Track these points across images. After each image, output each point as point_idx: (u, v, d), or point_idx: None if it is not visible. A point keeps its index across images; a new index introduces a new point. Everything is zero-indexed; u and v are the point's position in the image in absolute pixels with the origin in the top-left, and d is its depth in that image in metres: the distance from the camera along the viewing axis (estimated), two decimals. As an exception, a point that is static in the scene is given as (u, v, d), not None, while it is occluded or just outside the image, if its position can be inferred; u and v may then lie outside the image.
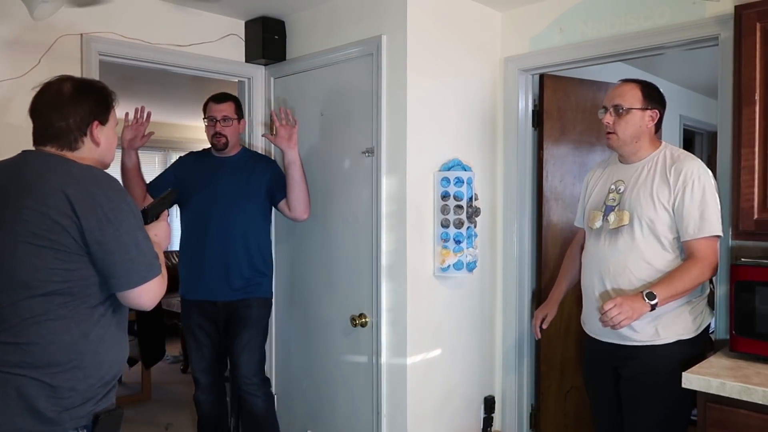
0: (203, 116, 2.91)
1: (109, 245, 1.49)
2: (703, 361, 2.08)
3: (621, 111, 2.18)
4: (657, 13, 2.54)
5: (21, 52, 2.54)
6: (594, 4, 2.73)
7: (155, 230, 1.76)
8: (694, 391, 1.95)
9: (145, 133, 2.78)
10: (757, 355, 2.03)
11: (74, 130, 1.58)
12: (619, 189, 2.22)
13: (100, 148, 1.63)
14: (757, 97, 2.01)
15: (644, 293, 2.01)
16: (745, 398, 1.82)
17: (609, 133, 2.22)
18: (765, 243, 2.20)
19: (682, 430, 2.21)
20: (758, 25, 2.01)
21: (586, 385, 2.50)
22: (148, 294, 1.58)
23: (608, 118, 2.21)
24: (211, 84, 4.45)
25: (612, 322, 1.99)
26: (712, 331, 2.41)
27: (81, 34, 2.69)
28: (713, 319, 2.29)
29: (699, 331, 2.17)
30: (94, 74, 2.72)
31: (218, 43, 3.15)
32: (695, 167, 2.11)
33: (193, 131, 7.61)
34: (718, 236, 2.09)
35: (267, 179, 2.87)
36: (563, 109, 3.15)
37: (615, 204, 2.21)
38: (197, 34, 3.06)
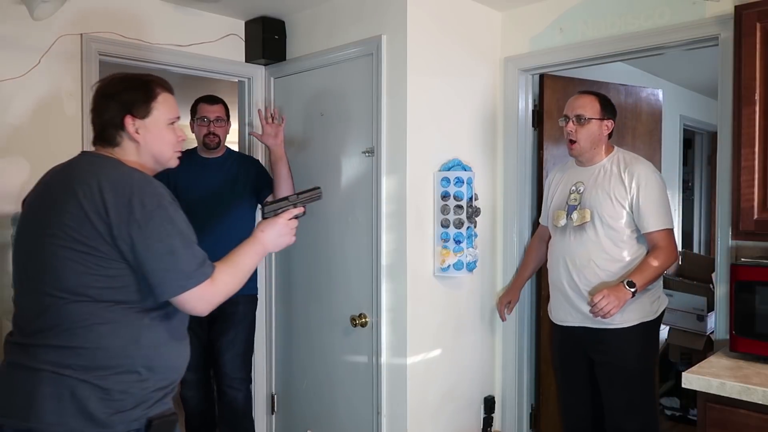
0: (192, 117, 2.94)
1: (140, 254, 1.44)
2: (703, 361, 2.08)
3: (582, 120, 2.45)
4: (657, 13, 2.54)
5: (21, 51, 2.54)
6: (594, 4, 2.73)
7: (264, 227, 1.71)
8: (662, 364, 2.11)
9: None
10: (757, 355, 2.03)
11: (109, 126, 1.55)
12: (579, 189, 2.48)
13: (143, 144, 1.58)
14: (757, 97, 2.01)
15: (624, 282, 2.28)
16: (745, 398, 1.82)
17: (572, 141, 2.48)
18: (765, 243, 2.20)
19: (652, 402, 2.51)
20: (758, 25, 2.01)
21: (555, 371, 2.75)
22: (196, 302, 1.51)
23: (571, 126, 2.47)
24: (211, 84, 4.45)
25: (602, 312, 2.25)
26: (712, 331, 2.43)
27: (81, 34, 2.69)
28: (667, 302, 2.59)
29: (657, 314, 2.46)
30: (93, 74, 2.72)
31: (218, 43, 3.15)
32: (647, 170, 2.41)
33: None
34: (672, 228, 2.40)
35: (253, 177, 2.91)
36: (563, 109, 3.14)
37: (576, 203, 2.47)
38: (197, 34, 3.06)
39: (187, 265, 1.48)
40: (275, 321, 3.27)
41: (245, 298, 2.88)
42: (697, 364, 2.05)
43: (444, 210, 2.72)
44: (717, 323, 2.38)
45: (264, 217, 1.76)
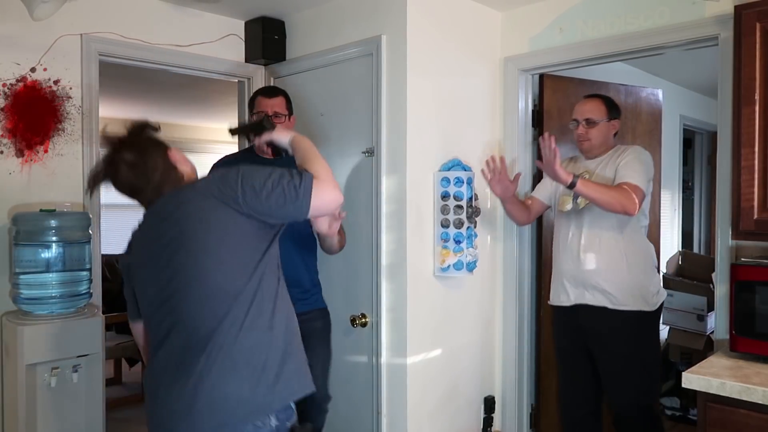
0: (250, 111, 2.59)
1: (258, 195, 1.52)
2: (703, 361, 2.08)
3: (592, 124, 2.62)
4: (657, 13, 2.54)
5: (21, 52, 2.54)
6: (594, 4, 2.73)
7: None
8: (662, 364, 2.17)
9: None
10: (757, 354, 2.03)
11: (166, 172, 1.68)
12: (585, 177, 2.57)
13: (183, 159, 1.78)
14: (757, 97, 2.01)
15: (574, 175, 2.39)
16: (745, 398, 1.82)
17: (583, 140, 2.66)
18: (765, 243, 2.20)
19: (654, 394, 2.65)
20: (758, 25, 2.01)
21: (558, 355, 2.81)
22: (322, 201, 1.58)
23: (581, 130, 2.65)
24: (211, 84, 4.46)
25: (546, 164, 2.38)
26: (712, 331, 2.44)
27: (81, 34, 2.69)
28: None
29: (656, 307, 2.56)
30: (94, 74, 2.73)
31: (218, 44, 3.15)
32: (635, 149, 2.60)
33: (193, 131, 7.61)
34: (641, 189, 2.43)
35: None
36: (563, 109, 3.15)
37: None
38: (197, 34, 3.06)
39: (285, 181, 1.56)
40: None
41: (320, 312, 2.56)
42: (697, 364, 2.05)
43: (444, 210, 2.72)
44: (717, 323, 2.38)
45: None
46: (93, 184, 1.68)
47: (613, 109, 2.66)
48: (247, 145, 2.68)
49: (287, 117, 2.52)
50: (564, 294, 2.64)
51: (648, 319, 2.56)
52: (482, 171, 2.71)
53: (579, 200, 2.58)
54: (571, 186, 2.37)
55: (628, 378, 2.53)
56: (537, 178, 3.13)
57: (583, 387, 2.71)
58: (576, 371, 2.71)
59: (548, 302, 2.77)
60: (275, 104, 2.49)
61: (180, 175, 1.68)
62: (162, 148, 1.70)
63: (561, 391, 2.84)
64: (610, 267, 2.51)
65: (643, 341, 2.54)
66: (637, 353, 2.51)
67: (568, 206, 2.63)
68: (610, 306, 2.51)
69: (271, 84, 3.29)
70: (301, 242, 2.48)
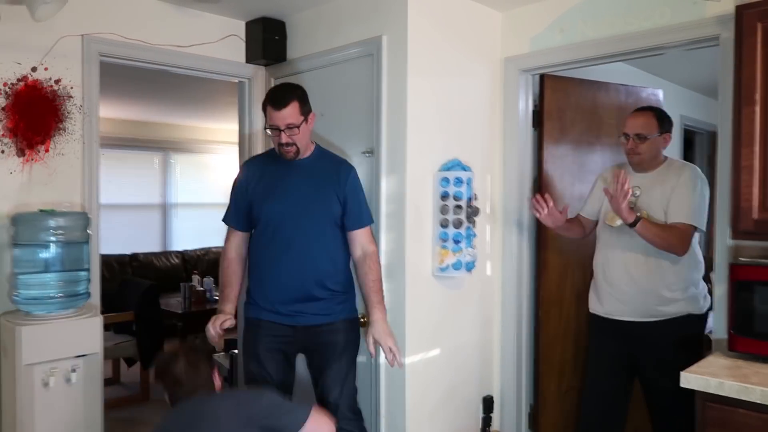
0: (265, 118, 2.35)
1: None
2: (702, 361, 2.08)
3: (642, 139, 2.56)
4: (657, 13, 2.54)
5: (22, 51, 2.54)
6: (594, 5, 2.73)
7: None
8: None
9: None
10: (756, 354, 2.03)
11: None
12: (636, 193, 2.56)
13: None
14: (757, 97, 2.01)
15: (637, 214, 2.42)
16: (743, 398, 1.82)
17: (634, 154, 2.60)
18: (764, 243, 2.20)
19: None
20: (759, 25, 2.01)
21: (591, 363, 2.77)
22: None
23: (632, 144, 2.58)
24: (211, 84, 4.45)
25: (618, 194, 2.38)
26: (710, 331, 2.43)
27: (82, 35, 2.69)
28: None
29: (703, 311, 2.56)
30: (94, 75, 2.73)
31: (219, 44, 3.15)
32: (690, 173, 2.53)
33: (193, 131, 7.62)
34: (695, 228, 2.45)
35: (343, 195, 2.35)
36: (563, 109, 3.15)
37: (633, 206, 2.52)
38: (198, 34, 3.06)
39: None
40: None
41: (345, 323, 2.39)
42: (696, 364, 2.05)
43: (443, 210, 2.72)
44: (716, 323, 2.38)
45: None
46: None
47: (664, 122, 2.61)
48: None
49: (305, 120, 2.31)
50: (614, 307, 2.61)
51: (696, 321, 2.55)
52: (531, 209, 2.75)
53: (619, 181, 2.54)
54: (632, 225, 2.40)
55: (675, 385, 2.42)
56: (537, 178, 3.13)
57: (614, 387, 2.68)
58: (610, 376, 2.67)
59: (590, 310, 2.74)
60: (285, 117, 2.27)
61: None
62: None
63: (588, 387, 2.79)
64: (660, 280, 2.50)
65: (690, 345, 2.48)
66: (683, 357, 2.34)
67: (618, 222, 2.58)
68: (660, 319, 2.50)
69: (272, 85, 3.29)
70: (325, 227, 2.35)
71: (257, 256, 2.41)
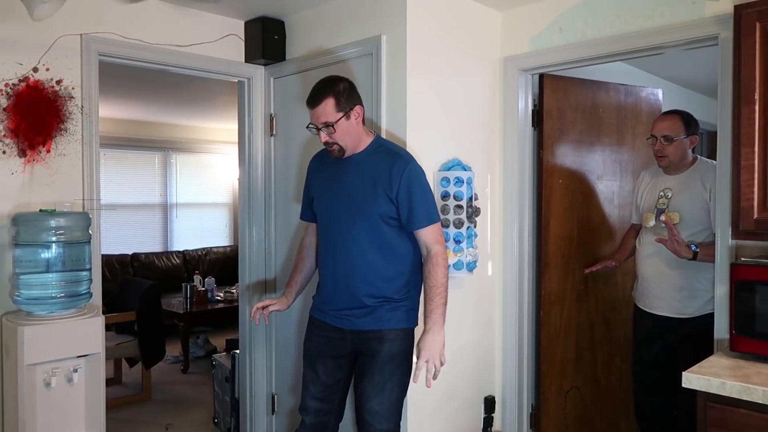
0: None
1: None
2: (703, 361, 2.08)
3: (669, 140, 2.72)
4: (657, 13, 2.54)
5: (23, 52, 2.54)
6: (594, 4, 2.73)
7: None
8: None
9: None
10: (757, 354, 2.03)
11: None
12: (668, 195, 2.75)
13: None
14: (756, 97, 2.01)
15: (690, 245, 2.57)
16: (745, 398, 1.82)
17: (661, 156, 2.76)
18: (765, 242, 2.20)
19: None
20: (758, 25, 2.01)
21: (636, 348, 2.99)
22: None
23: (659, 146, 2.76)
24: (211, 84, 4.46)
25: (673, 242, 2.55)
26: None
27: (81, 35, 2.69)
28: None
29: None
30: (93, 74, 2.73)
31: (218, 44, 3.15)
32: None
33: (193, 131, 7.62)
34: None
35: (395, 194, 2.19)
36: (563, 109, 3.15)
37: (665, 207, 2.74)
38: (197, 34, 3.06)
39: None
40: (275, 321, 3.27)
41: (394, 333, 2.24)
42: (697, 364, 2.04)
43: (444, 210, 2.72)
44: (717, 323, 2.38)
45: None
46: None
47: (691, 124, 2.75)
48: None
49: (344, 116, 2.17)
50: (656, 304, 2.79)
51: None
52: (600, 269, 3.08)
53: (662, 217, 2.71)
54: (694, 258, 2.55)
55: None
56: (538, 178, 3.13)
57: (656, 367, 2.86)
58: (652, 353, 2.86)
59: (636, 303, 2.93)
60: (319, 115, 2.17)
61: None
62: None
63: (636, 368, 2.98)
64: (689, 280, 2.65)
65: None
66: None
67: (651, 222, 2.78)
68: (693, 316, 2.66)
69: (271, 84, 3.30)
70: (371, 228, 2.21)
71: (319, 255, 2.42)
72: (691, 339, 2.64)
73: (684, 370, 2.28)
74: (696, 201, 2.66)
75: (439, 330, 2.16)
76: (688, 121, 2.76)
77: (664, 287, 2.74)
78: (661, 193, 2.80)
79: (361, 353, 2.28)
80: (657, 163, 2.84)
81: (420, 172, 2.23)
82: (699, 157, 2.81)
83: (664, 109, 3.68)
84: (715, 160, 2.48)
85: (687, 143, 2.74)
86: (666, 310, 2.75)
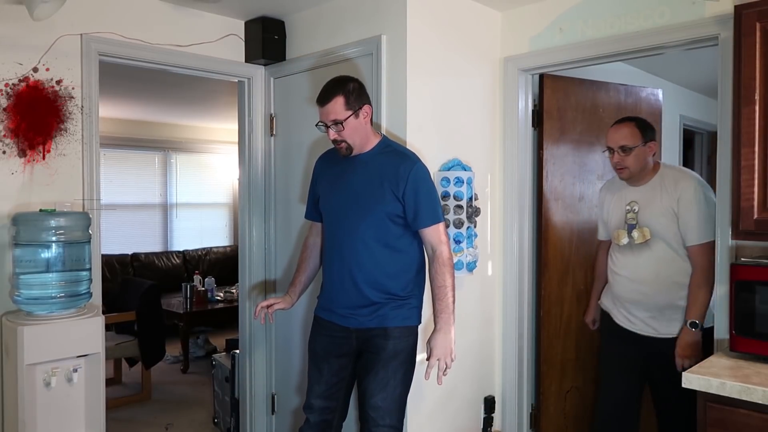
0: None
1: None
2: (703, 361, 2.08)
3: (627, 150, 2.54)
4: (657, 13, 2.54)
5: (24, 52, 2.54)
6: (594, 4, 2.73)
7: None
8: None
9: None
10: (757, 354, 2.03)
11: None
12: (634, 209, 2.58)
13: None
14: (757, 97, 2.01)
15: (688, 325, 2.42)
16: (745, 398, 1.82)
17: (621, 168, 2.59)
18: (765, 243, 2.20)
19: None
20: (758, 25, 2.01)
21: (605, 365, 2.77)
22: None
23: (617, 158, 2.58)
24: (211, 84, 4.46)
25: (691, 366, 2.23)
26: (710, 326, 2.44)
27: (81, 34, 2.69)
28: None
29: (711, 324, 2.47)
30: (94, 74, 2.73)
31: (218, 44, 3.15)
32: (692, 183, 2.49)
33: (193, 131, 7.62)
34: (711, 241, 2.41)
35: (402, 193, 2.21)
36: (563, 109, 3.15)
37: (635, 222, 2.58)
38: (197, 34, 3.06)
39: None
40: (275, 321, 3.27)
41: (398, 330, 2.27)
42: (697, 364, 2.05)
43: (444, 210, 2.72)
44: (717, 323, 2.38)
45: None
46: None
47: (647, 131, 2.58)
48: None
49: (353, 115, 2.20)
50: (630, 322, 2.61)
51: (707, 334, 2.45)
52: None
53: (634, 234, 2.56)
54: (694, 326, 2.42)
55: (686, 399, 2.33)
56: (538, 178, 3.13)
57: (630, 390, 2.66)
58: (624, 378, 2.66)
59: (602, 307, 2.77)
60: (329, 113, 2.20)
61: None
62: None
63: (604, 389, 2.77)
64: (671, 291, 2.50)
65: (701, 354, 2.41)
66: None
67: (624, 240, 2.60)
68: (673, 336, 2.49)
69: (271, 84, 3.30)
70: (377, 227, 2.23)
71: (324, 254, 2.43)
72: (670, 361, 2.48)
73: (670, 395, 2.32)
74: (665, 212, 2.50)
75: (450, 329, 2.24)
76: (644, 127, 2.58)
77: (644, 307, 2.56)
78: (628, 207, 2.62)
79: (365, 350, 2.30)
80: (618, 177, 2.65)
81: (426, 173, 2.27)
82: (661, 163, 2.65)
83: (664, 111, 3.70)
84: (713, 161, 2.47)
85: (646, 151, 2.55)
86: (650, 331, 2.57)
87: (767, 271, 2.02)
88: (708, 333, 2.43)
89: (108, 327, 4.20)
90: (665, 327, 2.52)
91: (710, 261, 2.40)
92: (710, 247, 2.41)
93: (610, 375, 2.73)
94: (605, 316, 2.75)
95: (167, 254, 7.12)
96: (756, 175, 2.02)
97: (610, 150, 2.59)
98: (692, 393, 2.27)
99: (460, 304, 2.87)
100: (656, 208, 2.52)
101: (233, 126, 3.87)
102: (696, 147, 5.73)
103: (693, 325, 2.41)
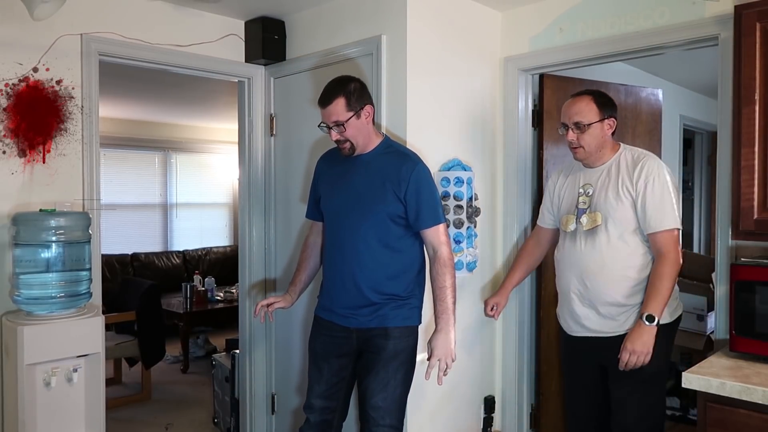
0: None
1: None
2: (703, 361, 2.08)
3: (582, 127, 2.30)
4: (657, 13, 2.55)
5: (24, 52, 2.54)
6: (594, 4, 2.73)
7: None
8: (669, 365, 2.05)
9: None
10: (757, 354, 2.03)
11: None
12: (588, 192, 2.35)
13: None
14: (757, 97, 2.01)
15: (643, 318, 2.15)
16: (745, 398, 1.82)
17: (575, 147, 2.35)
18: (765, 243, 2.20)
19: (662, 404, 2.40)
20: (758, 25, 2.01)
21: (565, 375, 2.61)
22: None
23: (572, 135, 2.33)
24: (211, 84, 4.46)
25: (636, 365, 2.16)
26: (712, 331, 2.43)
27: (81, 34, 2.69)
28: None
29: (674, 318, 2.32)
30: (94, 74, 2.73)
31: (218, 43, 3.15)
32: (655, 166, 2.25)
33: (193, 131, 7.62)
34: (678, 229, 2.21)
35: (403, 194, 2.21)
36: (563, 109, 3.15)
37: (586, 207, 2.34)
38: (197, 34, 3.06)
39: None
40: (275, 320, 3.27)
41: (398, 330, 2.27)
42: (697, 364, 2.05)
43: (444, 210, 2.72)
44: (717, 323, 2.38)
45: None
46: None
47: (606, 106, 2.33)
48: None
49: (355, 116, 2.20)
50: (572, 324, 2.39)
51: (663, 332, 2.22)
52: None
53: (583, 219, 2.33)
54: (658, 323, 2.14)
55: (636, 394, 2.28)
56: (538, 178, 3.13)
57: (590, 401, 2.46)
58: (583, 384, 2.47)
59: (558, 320, 2.52)
60: (331, 114, 2.20)
61: None
62: None
63: (567, 404, 2.61)
64: (618, 286, 2.26)
65: (656, 354, 2.18)
66: (649, 367, 2.19)
67: (572, 226, 2.36)
68: (622, 333, 2.24)
69: (271, 84, 3.30)
70: (379, 227, 2.23)
71: (325, 254, 2.44)
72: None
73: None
74: (621, 196, 2.24)
75: (450, 330, 2.25)
76: (602, 102, 2.31)
77: (587, 303, 2.31)
78: (581, 190, 2.36)
79: (365, 350, 2.30)
80: (573, 157, 2.41)
81: (428, 174, 2.27)
82: (623, 145, 2.38)
83: (664, 111, 3.70)
84: (713, 161, 2.46)
85: (604, 127, 2.29)
86: (592, 332, 2.33)
87: (767, 271, 2.02)
88: (666, 328, 2.25)
89: (108, 327, 4.20)
90: (609, 325, 2.28)
91: (676, 251, 2.18)
92: (676, 235, 2.20)
93: (571, 394, 2.56)
94: (561, 331, 2.52)
95: (167, 254, 7.12)
96: (756, 175, 2.02)
97: (564, 126, 2.34)
98: (653, 402, 2.27)
99: (461, 303, 2.88)
100: (612, 190, 2.27)
101: (233, 126, 3.88)
102: (696, 147, 5.73)
103: (649, 318, 2.14)
